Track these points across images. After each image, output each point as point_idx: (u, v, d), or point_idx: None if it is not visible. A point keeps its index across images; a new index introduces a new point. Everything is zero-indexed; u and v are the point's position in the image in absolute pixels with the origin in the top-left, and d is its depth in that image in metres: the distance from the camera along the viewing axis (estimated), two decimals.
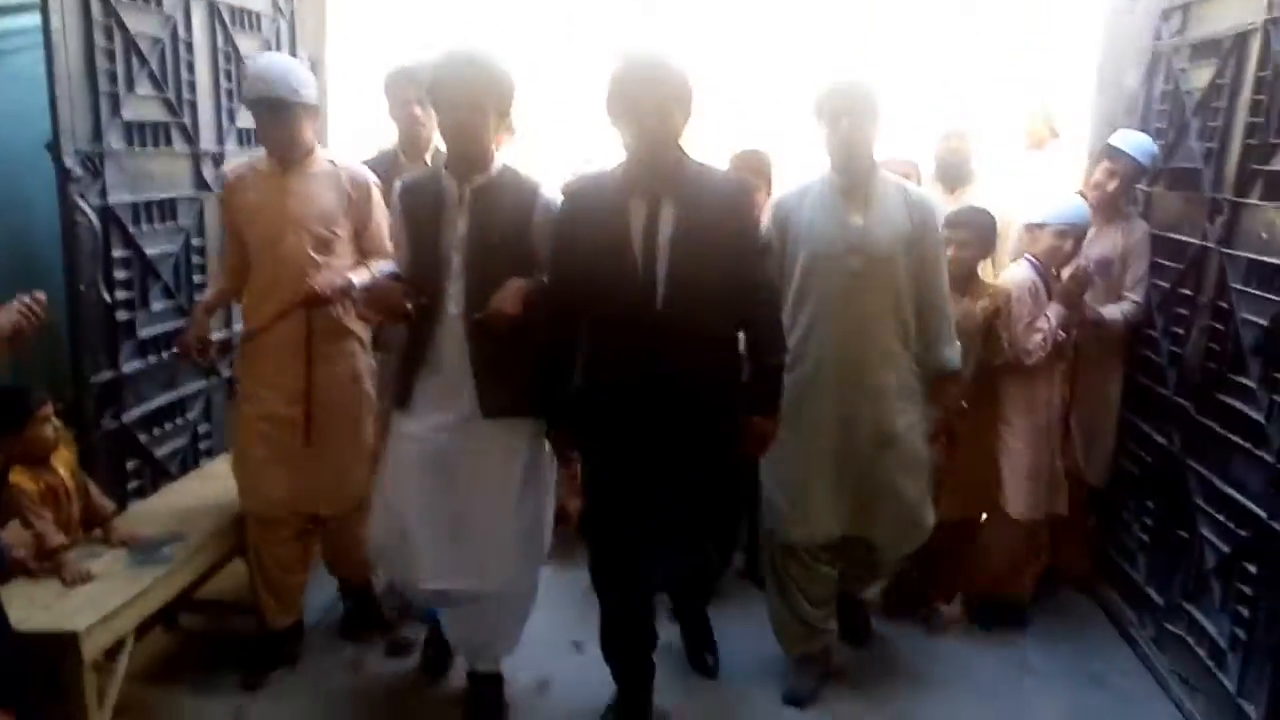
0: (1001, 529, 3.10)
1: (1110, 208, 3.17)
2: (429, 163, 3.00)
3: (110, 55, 2.64)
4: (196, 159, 3.07)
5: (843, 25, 4.99)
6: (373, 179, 2.68)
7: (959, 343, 2.64)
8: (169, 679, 2.75)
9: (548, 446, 2.50)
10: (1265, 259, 2.49)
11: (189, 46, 2.97)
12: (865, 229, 2.48)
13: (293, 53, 3.59)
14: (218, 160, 3.15)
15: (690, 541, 2.56)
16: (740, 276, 2.29)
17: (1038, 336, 2.89)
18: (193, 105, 3.01)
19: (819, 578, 2.74)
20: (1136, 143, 3.15)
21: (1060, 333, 2.92)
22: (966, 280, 2.93)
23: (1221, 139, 2.77)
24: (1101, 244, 3.22)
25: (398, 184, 2.45)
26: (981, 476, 3.06)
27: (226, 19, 3.15)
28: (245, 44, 3.25)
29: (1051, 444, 3.07)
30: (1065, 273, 3.02)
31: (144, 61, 2.76)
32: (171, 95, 2.91)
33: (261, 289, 2.59)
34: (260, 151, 2.64)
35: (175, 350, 2.70)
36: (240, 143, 3.28)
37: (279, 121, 2.49)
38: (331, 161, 2.66)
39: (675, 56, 2.19)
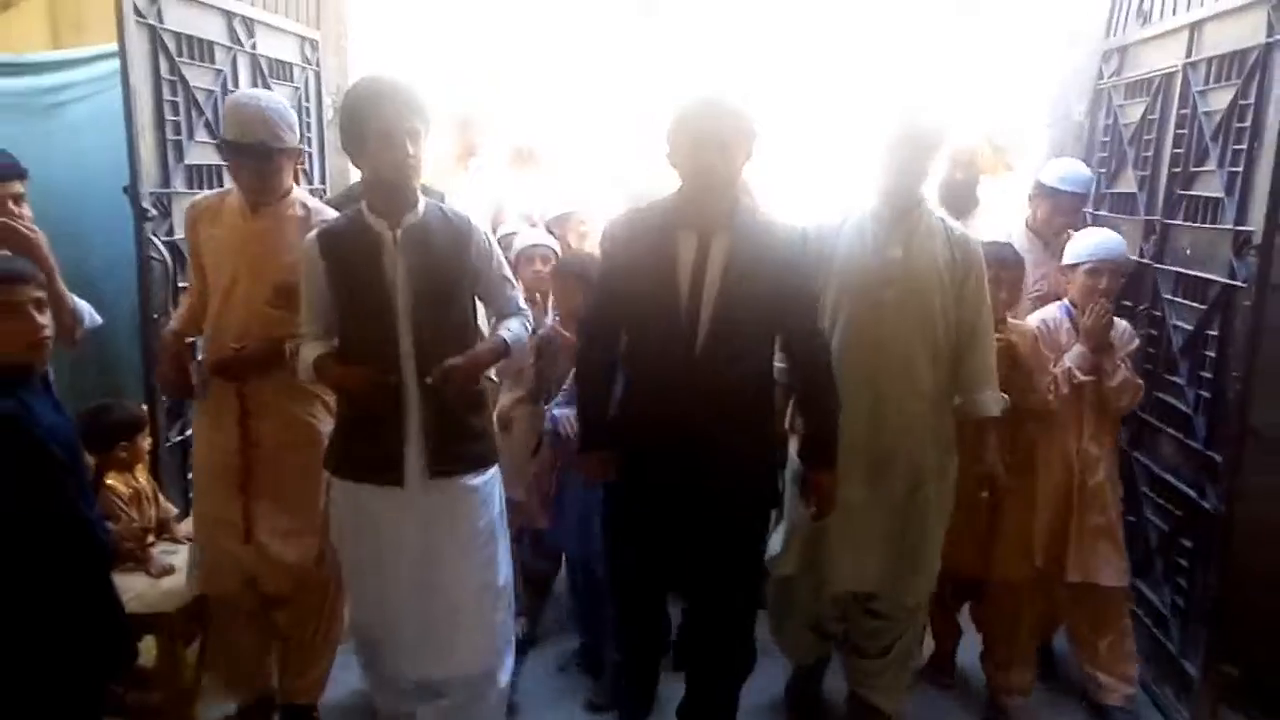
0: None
1: (1057, 241, 3.20)
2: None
3: (175, 107, 2.96)
4: None
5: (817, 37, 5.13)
6: None
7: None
8: None
9: (498, 507, 2.41)
10: (1189, 272, 2.88)
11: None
12: (905, 262, 2.38)
13: (320, 99, 3.93)
14: None
15: (716, 607, 2.39)
16: (793, 325, 2.24)
17: (1046, 379, 2.74)
18: None
19: (821, 602, 2.64)
20: (1067, 175, 3.29)
21: (1079, 375, 2.74)
22: (999, 324, 2.68)
23: (1153, 167, 3.17)
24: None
25: (309, 235, 2.27)
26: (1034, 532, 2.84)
27: (265, 70, 3.48)
28: (281, 92, 3.59)
29: (1079, 502, 2.81)
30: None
31: (200, 112, 3.09)
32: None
33: (213, 329, 2.45)
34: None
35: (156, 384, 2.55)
36: None
37: (255, 168, 2.36)
38: (305, 205, 2.49)
39: (741, 97, 2.15)
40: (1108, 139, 3.61)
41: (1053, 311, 2.90)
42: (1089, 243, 2.87)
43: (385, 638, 2.36)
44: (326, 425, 2.45)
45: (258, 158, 2.33)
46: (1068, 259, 2.90)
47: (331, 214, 2.45)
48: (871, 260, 2.39)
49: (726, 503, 2.24)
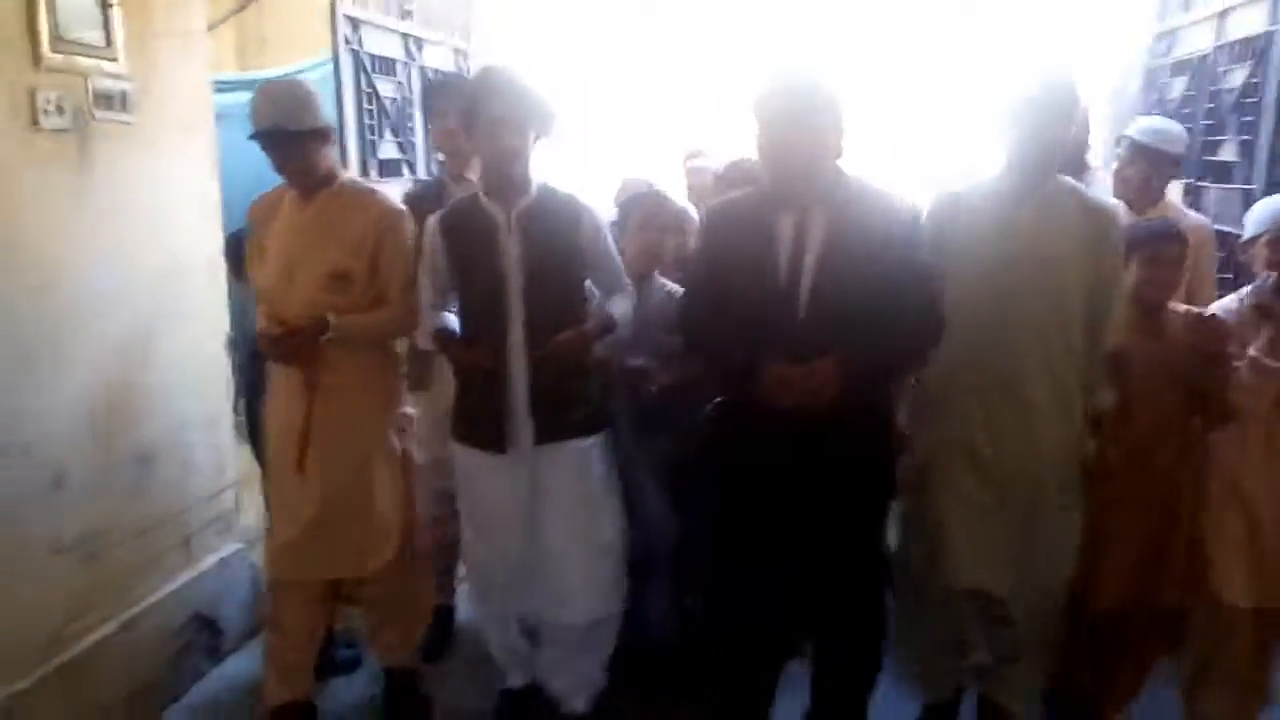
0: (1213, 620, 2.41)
1: (1140, 199, 2.93)
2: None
3: (370, 114, 3.74)
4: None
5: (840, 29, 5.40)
6: (400, 209, 2.49)
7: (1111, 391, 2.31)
8: None
9: (606, 467, 2.46)
10: (1216, 227, 3.35)
11: (410, 103, 4.07)
12: (1037, 242, 2.17)
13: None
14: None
15: (834, 624, 2.25)
16: (903, 302, 2.04)
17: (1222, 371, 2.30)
18: (413, 145, 4.11)
19: (953, 613, 2.44)
20: (1165, 131, 2.96)
21: (1265, 360, 2.25)
22: (1156, 312, 2.37)
23: (1191, 137, 3.62)
24: None
25: (432, 218, 2.38)
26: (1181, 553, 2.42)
27: (430, 79, 4.25)
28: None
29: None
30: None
31: (387, 116, 3.87)
32: (403, 140, 4.01)
33: (269, 321, 2.43)
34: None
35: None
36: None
37: (283, 153, 2.35)
38: (356, 187, 2.50)
39: (825, 71, 2.06)
40: (1157, 113, 4.06)
41: (1231, 302, 2.43)
42: (1268, 211, 2.44)
43: (500, 581, 2.49)
44: (393, 414, 2.51)
45: (276, 142, 2.32)
46: (1249, 231, 2.47)
47: (388, 196, 2.49)
48: (998, 242, 2.17)
49: (840, 492, 2.10)
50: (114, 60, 2.46)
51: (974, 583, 2.33)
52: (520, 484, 2.37)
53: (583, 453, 2.40)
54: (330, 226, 2.40)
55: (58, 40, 2.28)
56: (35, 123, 2.23)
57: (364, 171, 3.71)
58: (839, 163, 2.08)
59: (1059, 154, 2.18)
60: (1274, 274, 2.31)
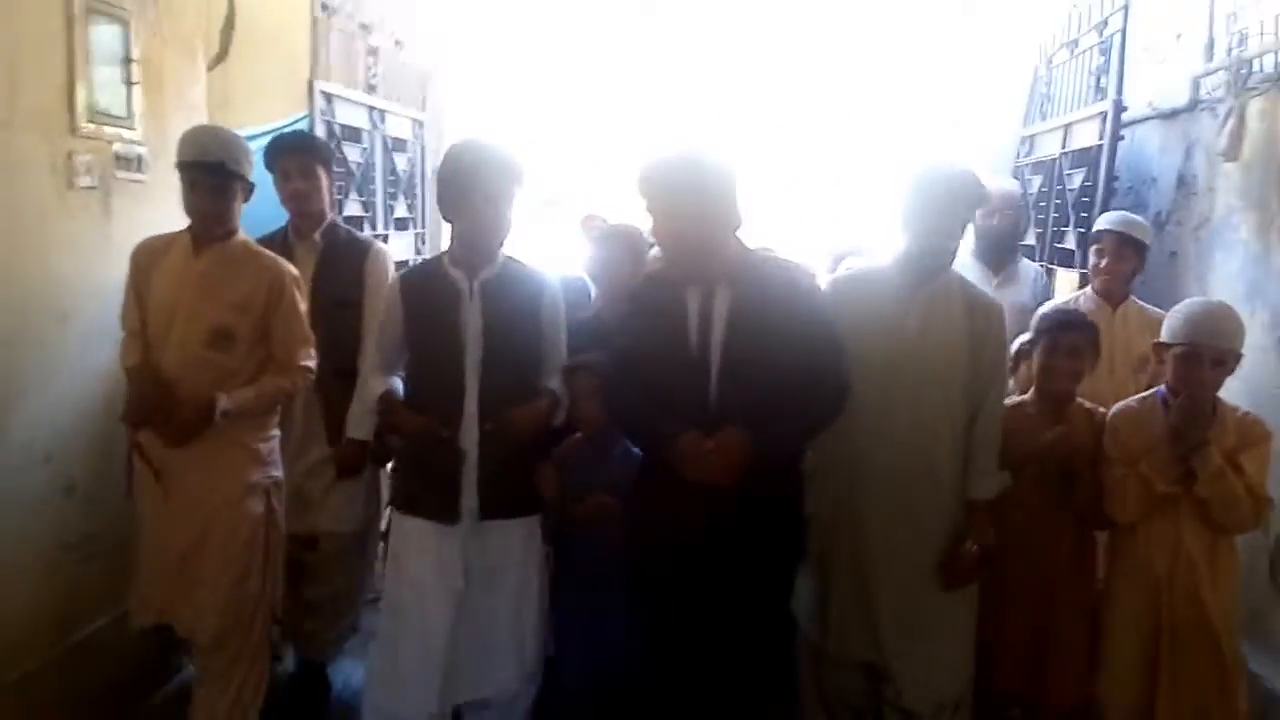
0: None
1: (1120, 291, 3.09)
2: (318, 241, 2.89)
3: (340, 175, 4.16)
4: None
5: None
6: (294, 271, 2.49)
7: (1007, 473, 2.34)
8: None
9: (540, 545, 2.47)
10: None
11: (373, 166, 4.51)
12: (921, 339, 2.25)
13: (424, 164, 5.15)
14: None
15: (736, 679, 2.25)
16: (805, 371, 2.10)
17: (1119, 475, 2.31)
18: (374, 205, 4.54)
19: (850, 676, 2.48)
20: (1138, 222, 3.10)
21: (1158, 483, 2.27)
22: (1060, 402, 2.44)
23: (1044, 227, 4.30)
24: None
25: (392, 280, 2.44)
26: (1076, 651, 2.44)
27: (390, 145, 4.70)
28: (399, 159, 4.80)
29: (1170, 643, 2.30)
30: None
31: (352, 176, 4.30)
32: (366, 199, 4.44)
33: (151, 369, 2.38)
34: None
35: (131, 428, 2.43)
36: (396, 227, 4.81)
37: (213, 187, 2.33)
38: (250, 247, 2.48)
39: (708, 150, 2.09)
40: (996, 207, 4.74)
41: (1132, 403, 2.41)
42: (1181, 319, 2.31)
43: (414, 670, 2.34)
44: (256, 476, 2.45)
45: (216, 176, 2.32)
46: (1164, 335, 2.37)
47: (280, 260, 2.49)
48: (889, 332, 2.25)
49: (750, 554, 2.14)
50: (133, 129, 2.84)
51: (862, 652, 2.36)
52: (460, 555, 2.33)
53: (523, 530, 2.40)
54: (219, 282, 2.38)
55: (91, 112, 2.66)
56: (71, 183, 2.60)
57: None
58: (739, 235, 2.17)
59: (950, 254, 2.31)
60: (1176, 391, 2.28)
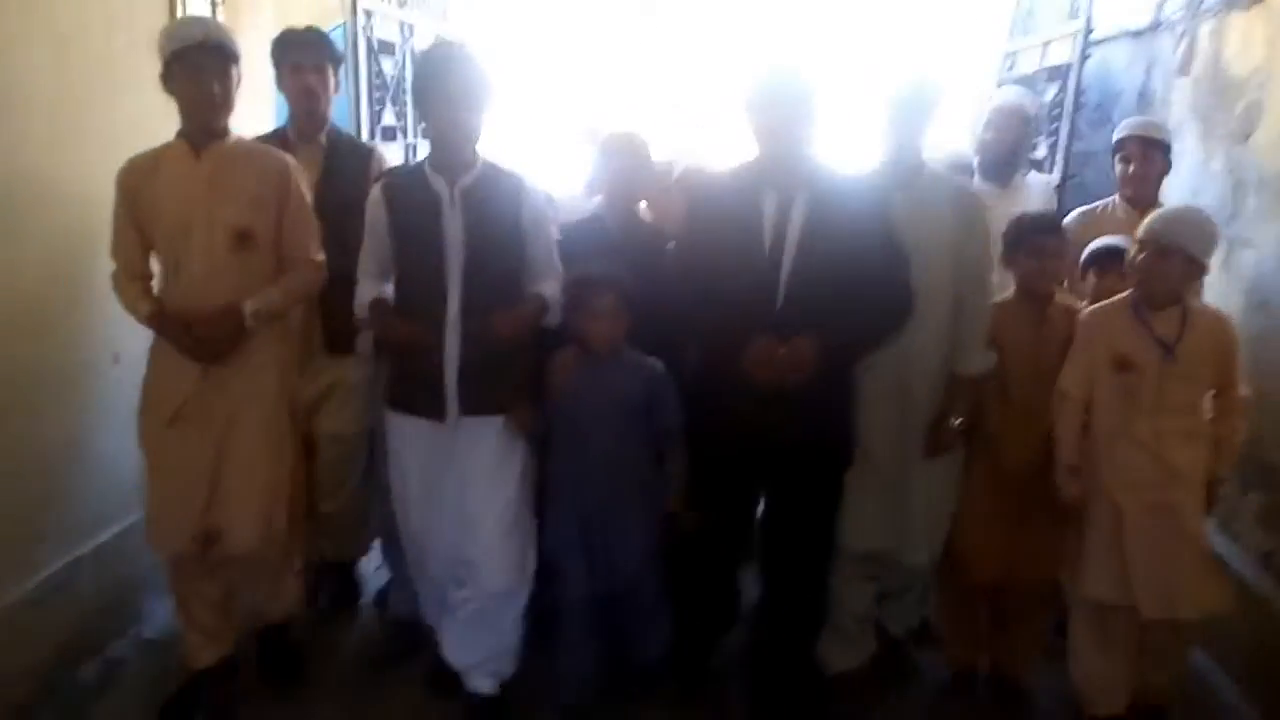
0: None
1: (1147, 194, 3.12)
2: (323, 143, 2.85)
3: (375, 86, 4.54)
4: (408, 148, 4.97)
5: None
6: (295, 164, 2.44)
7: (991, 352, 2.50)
8: None
9: (525, 447, 2.50)
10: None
11: (403, 79, 4.87)
12: (908, 223, 2.34)
13: None
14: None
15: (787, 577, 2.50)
16: (874, 281, 2.22)
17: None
18: (406, 115, 4.90)
19: (856, 589, 2.66)
20: (1160, 124, 3.24)
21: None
22: (1042, 302, 2.58)
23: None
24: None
25: (375, 186, 2.40)
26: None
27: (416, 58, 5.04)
28: None
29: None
30: None
31: (387, 88, 4.66)
32: (398, 109, 4.82)
33: (170, 291, 2.33)
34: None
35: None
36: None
37: (212, 72, 2.23)
38: (251, 143, 2.44)
39: (812, 69, 2.25)
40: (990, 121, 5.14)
41: (1122, 300, 2.49)
42: (1151, 216, 2.47)
43: (435, 548, 2.53)
44: (281, 384, 2.45)
45: (222, 58, 2.24)
46: (1083, 262, 2.72)
47: (280, 152, 2.45)
48: None
49: (803, 454, 2.29)
50: None
51: (861, 547, 2.54)
52: (448, 450, 2.42)
53: (502, 429, 2.43)
54: (230, 181, 2.29)
55: None
56: None
57: (371, 136, 4.51)
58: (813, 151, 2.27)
59: (921, 147, 2.46)
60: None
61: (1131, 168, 3.10)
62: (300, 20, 3.01)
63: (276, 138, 2.80)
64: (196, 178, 2.28)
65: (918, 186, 2.42)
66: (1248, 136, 3.14)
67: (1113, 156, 3.22)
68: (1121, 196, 3.20)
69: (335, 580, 3.17)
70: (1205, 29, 3.53)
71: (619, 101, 6.02)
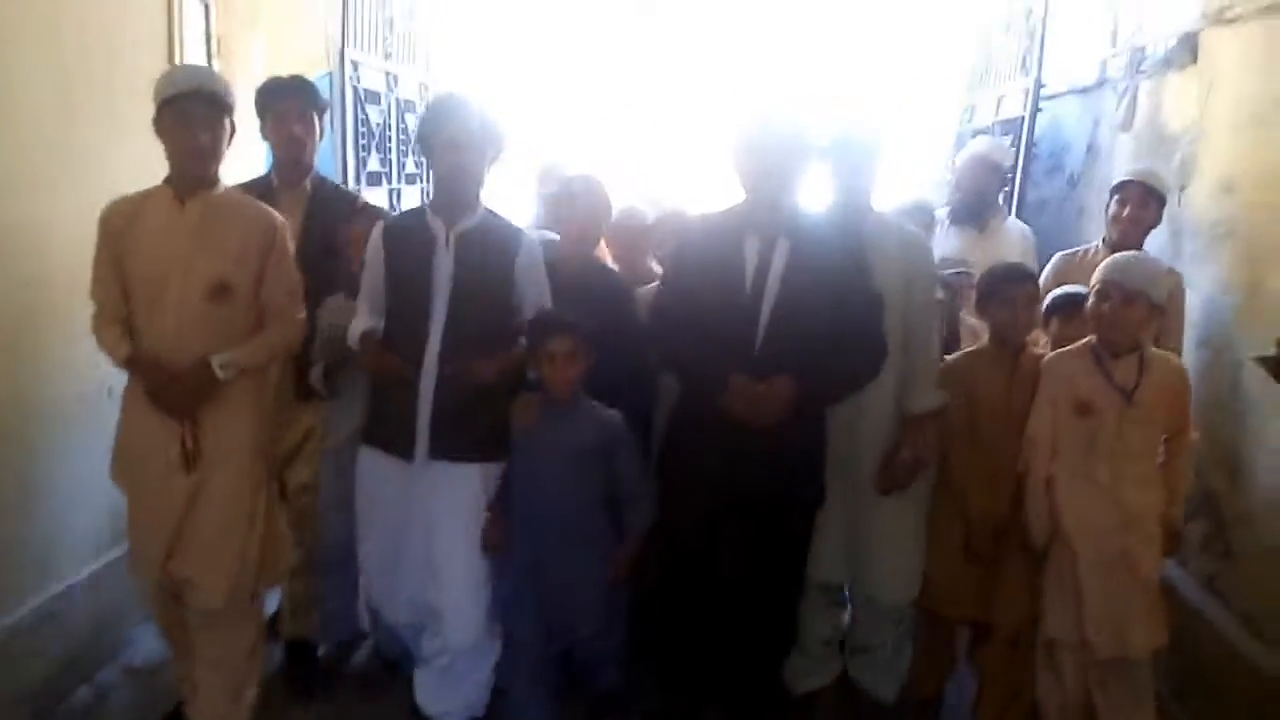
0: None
1: (1138, 241, 3.13)
2: (307, 190, 2.86)
3: (361, 135, 4.71)
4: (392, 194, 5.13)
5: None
6: (281, 221, 2.40)
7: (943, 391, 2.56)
8: None
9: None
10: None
11: (389, 126, 5.04)
12: None
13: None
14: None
15: (754, 620, 2.48)
16: (849, 329, 2.27)
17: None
18: (390, 161, 5.07)
19: (822, 616, 2.73)
20: (1154, 169, 3.25)
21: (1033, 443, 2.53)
22: (1014, 351, 2.63)
23: None
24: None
25: (376, 226, 2.45)
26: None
27: (401, 106, 5.22)
28: (409, 120, 5.33)
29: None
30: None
31: (373, 136, 4.83)
32: (383, 156, 4.98)
33: (143, 340, 2.26)
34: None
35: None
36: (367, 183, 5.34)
37: (201, 122, 2.20)
38: (238, 195, 2.41)
39: (798, 108, 2.30)
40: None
41: (1083, 346, 2.53)
42: (1105, 263, 2.52)
43: (391, 591, 2.53)
44: (257, 435, 2.37)
45: (213, 109, 2.21)
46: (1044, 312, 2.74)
47: (257, 203, 2.41)
48: None
49: (773, 496, 2.32)
50: None
51: (824, 576, 2.59)
52: (416, 492, 2.43)
53: (470, 478, 2.43)
54: (213, 232, 2.26)
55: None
56: None
57: (356, 181, 4.66)
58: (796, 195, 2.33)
59: (868, 191, 2.54)
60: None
61: (1128, 210, 3.13)
62: (289, 69, 3.11)
63: (260, 184, 2.82)
64: (179, 227, 2.24)
65: (864, 232, 2.45)
66: (1183, 188, 3.35)
67: (1110, 197, 3.24)
68: (1106, 240, 3.24)
69: (293, 659, 2.93)
70: (1145, 88, 3.78)
71: (592, 143, 6.20)
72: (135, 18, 3.01)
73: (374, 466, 2.49)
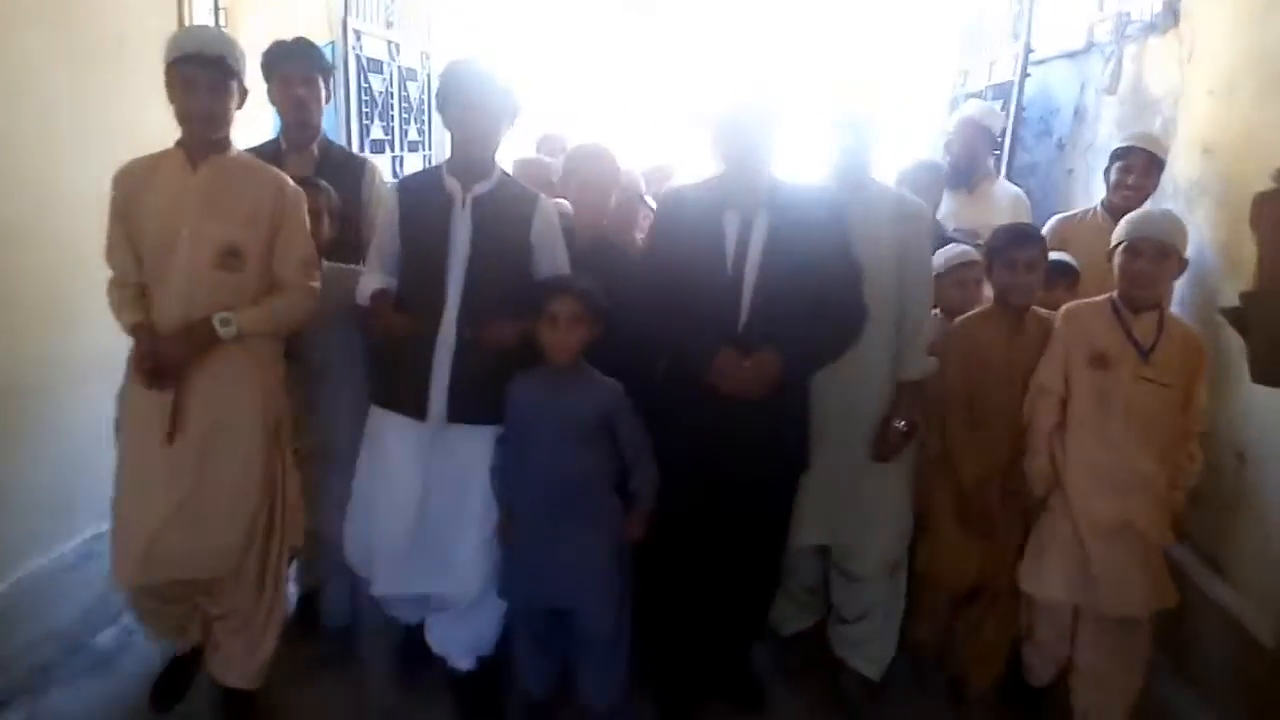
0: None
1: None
2: (315, 154, 2.88)
3: (365, 102, 4.81)
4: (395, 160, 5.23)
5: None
6: (294, 187, 2.36)
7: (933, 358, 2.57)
8: None
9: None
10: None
11: (391, 95, 5.14)
12: (857, 238, 2.40)
13: (430, 91, 5.75)
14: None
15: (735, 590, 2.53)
16: (833, 298, 2.30)
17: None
18: (393, 129, 5.17)
19: (805, 563, 2.77)
20: (1148, 133, 3.31)
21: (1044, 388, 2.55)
22: (1019, 312, 2.61)
23: None
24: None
25: (391, 184, 2.49)
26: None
27: (404, 75, 5.32)
28: (411, 88, 5.43)
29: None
30: None
31: (376, 104, 4.93)
32: (386, 124, 5.09)
33: (151, 303, 2.23)
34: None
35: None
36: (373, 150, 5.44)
37: (213, 84, 2.16)
38: (250, 159, 2.34)
39: (777, 86, 2.30)
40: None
41: (1102, 301, 2.54)
42: (1127, 220, 2.54)
43: (384, 556, 2.47)
44: (270, 408, 2.35)
45: (217, 72, 2.17)
46: (1112, 243, 2.57)
47: (269, 168, 2.36)
48: None
49: (758, 461, 2.34)
50: None
51: (814, 539, 2.60)
52: (427, 452, 2.40)
53: (486, 438, 2.43)
54: (223, 196, 2.22)
55: None
56: None
57: (360, 148, 4.78)
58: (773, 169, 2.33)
59: (868, 162, 2.55)
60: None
61: (1132, 178, 3.16)
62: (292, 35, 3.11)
63: (269, 149, 2.83)
64: (189, 189, 2.21)
65: (862, 200, 2.47)
66: (1165, 150, 3.44)
67: (1111, 162, 3.29)
68: (1106, 204, 3.25)
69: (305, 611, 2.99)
70: (1129, 52, 3.86)
71: (593, 112, 6.26)
72: None
73: (387, 427, 2.45)
